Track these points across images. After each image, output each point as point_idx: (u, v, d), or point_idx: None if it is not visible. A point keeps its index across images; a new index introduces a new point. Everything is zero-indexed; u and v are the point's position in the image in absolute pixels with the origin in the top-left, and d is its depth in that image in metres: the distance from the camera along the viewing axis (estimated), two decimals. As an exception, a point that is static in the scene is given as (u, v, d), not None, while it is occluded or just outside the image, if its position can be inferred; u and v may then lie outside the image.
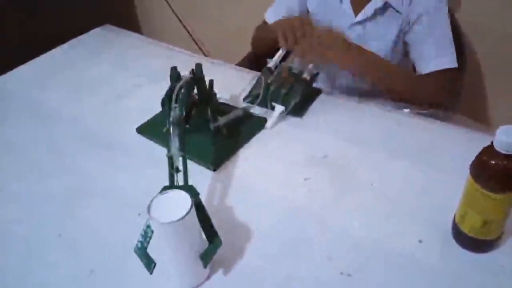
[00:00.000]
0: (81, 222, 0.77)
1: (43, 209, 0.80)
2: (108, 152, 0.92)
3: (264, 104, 1.00)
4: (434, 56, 1.06)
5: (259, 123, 0.96)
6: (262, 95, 0.99)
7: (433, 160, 0.85)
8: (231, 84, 1.08)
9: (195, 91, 0.89)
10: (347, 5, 1.14)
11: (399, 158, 0.86)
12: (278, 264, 0.68)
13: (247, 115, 0.98)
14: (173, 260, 0.63)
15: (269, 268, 0.67)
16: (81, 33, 1.39)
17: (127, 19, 2.16)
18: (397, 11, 1.08)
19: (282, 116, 0.97)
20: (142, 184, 0.81)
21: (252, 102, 1.01)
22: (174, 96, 0.79)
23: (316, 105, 1.02)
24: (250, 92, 1.04)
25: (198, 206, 0.63)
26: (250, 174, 0.85)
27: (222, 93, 0.99)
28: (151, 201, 0.60)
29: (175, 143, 0.71)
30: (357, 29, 1.14)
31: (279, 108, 0.96)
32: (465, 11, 1.30)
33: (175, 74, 0.88)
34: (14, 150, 0.95)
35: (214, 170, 0.86)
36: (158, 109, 0.96)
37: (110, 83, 1.16)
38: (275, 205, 0.78)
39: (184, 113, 0.76)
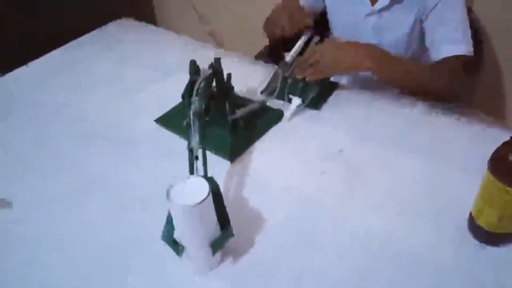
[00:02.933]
0: (98, 217, 0.78)
1: (54, 208, 0.81)
2: (125, 145, 0.94)
3: (281, 97, 1.00)
4: (450, 41, 1.05)
5: (276, 116, 0.97)
6: (280, 88, 1.00)
7: (446, 156, 0.85)
8: (248, 77, 1.09)
9: (213, 84, 0.90)
10: None
11: (413, 154, 0.86)
12: (290, 257, 0.69)
13: (264, 108, 0.99)
14: (188, 245, 0.64)
15: (281, 260, 0.69)
16: (81, 33, 1.39)
17: (144, 12, 2.17)
18: None
19: (299, 109, 0.98)
20: (162, 174, 0.82)
21: (269, 95, 1.02)
22: (195, 90, 0.80)
23: (333, 99, 1.03)
24: (268, 85, 1.05)
25: (216, 195, 0.64)
26: (266, 166, 0.86)
27: (240, 86, 1.00)
28: (171, 186, 0.62)
29: (195, 136, 0.72)
30: (374, 18, 1.14)
31: (296, 100, 0.97)
32: (482, 6, 1.29)
33: (194, 68, 0.89)
34: (33, 143, 0.97)
35: (231, 161, 0.87)
36: (175, 101, 0.99)
37: (127, 76, 1.17)
38: (290, 197, 0.79)
39: (204, 106, 0.78)
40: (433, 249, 0.68)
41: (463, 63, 1.05)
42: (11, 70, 1.21)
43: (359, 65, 0.97)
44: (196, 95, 0.80)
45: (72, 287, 0.68)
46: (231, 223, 0.67)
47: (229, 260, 0.69)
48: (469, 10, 1.26)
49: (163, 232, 0.65)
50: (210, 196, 0.62)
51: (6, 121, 1.04)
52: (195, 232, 0.63)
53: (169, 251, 0.65)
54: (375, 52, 0.98)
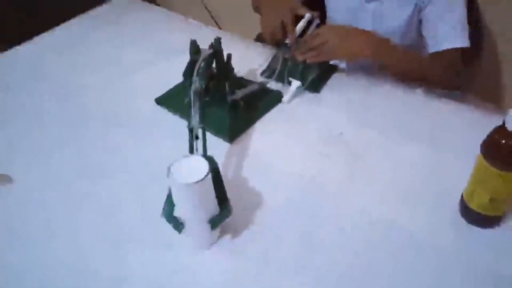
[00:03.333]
0: (105, 190, 0.81)
1: (67, 177, 0.84)
2: (127, 124, 0.95)
3: (281, 79, 1.01)
4: (448, 35, 1.06)
5: (276, 98, 0.98)
6: (279, 70, 1.01)
7: (444, 141, 0.86)
8: (248, 58, 1.10)
9: (214, 65, 0.91)
10: None
11: (412, 137, 0.87)
12: (290, 237, 0.71)
13: (264, 90, 1.00)
14: (187, 222, 0.66)
15: (280, 240, 0.71)
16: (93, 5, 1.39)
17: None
18: None
19: (298, 91, 0.99)
20: (162, 154, 0.83)
21: (269, 77, 1.03)
22: (195, 70, 0.81)
23: (332, 82, 1.04)
24: (268, 67, 1.06)
25: (215, 174, 0.66)
26: (265, 147, 0.88)
27: (240, 67, 1.01)
28: (172, 164, 0.63)
29: (195, 115, 0.73)
30: (373, 5, 1.14)
31: (296, 83, 0.98)
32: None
33: (194, 48, 0.89)
34: (35, 120, 0.98)
35: (230, 142, 0.89)
36: (175, 81, 0.99)
37: (126, 57, 1.17)
38: (290, 179, 0.81)
39: (204, 86, 0.79)
40: (432, 233, 0.70)
41: (462, 54, 1.06)
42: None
43: (359, 52, 0.98)
44: (197, 75, 0.81)
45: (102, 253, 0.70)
46: (230, 203, 0.68)
47: (228, 239, 0.71)
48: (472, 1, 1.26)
49: (163, 209, 0.67)
50: (210, 174, 0.63)
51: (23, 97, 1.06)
52: (194, 209, 0.65)
53: (170, 228, 0.66)
54: (375, 40, 0.99)
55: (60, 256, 0.70)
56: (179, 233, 0.66)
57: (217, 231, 0.70)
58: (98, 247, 0.71)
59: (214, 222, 0.67)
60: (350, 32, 0.99)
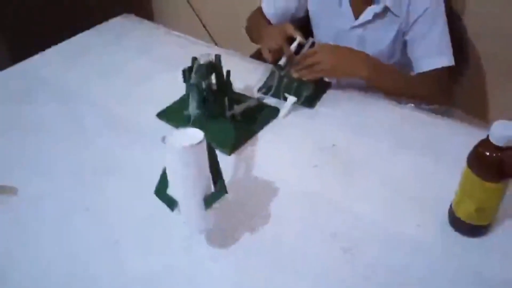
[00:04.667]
0: (105, 197, 0.84)
1: (70, 185, 0.87)
2: (128, 133, 0.99)
3: (277, 95, 1.06)
4: (432, 55, 1.11)
5: (272, 113, 1.03)
6: (276, 87, 1.05)
7: (433, 152, 0.91)
8: (245, 75, 1.14)
9: (213, 80, 0.95)
10: (346, 8, 1.18)
11: (403, 149, 0.92)
12: (286, 243, 0.75)
13: (261, 105, 1.04)
14: (181, 198, 0.67)
15: (278, 246, 0.74)
16: (99, 22, 1.45)
17: (143, 9, 2.21)
18: (395, 15, 1.13)
19: (294, 107, 1.03)
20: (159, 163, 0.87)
21: (265, 93, 1.08)
22: (194, 67, 0.87)
23: (326, 97, 1.08)
24: (264, 83, 1.10)
25: (210, 149, 0.67)
26: (262, 159, 0.92)
27: (237, 83, 1.05)
28: (168, 134, 0.64)
29: (193, 103, 0.76)
30: (357, 31, 1.19)
31: (291, 99, 1.02)
32: (466, 11, 1.35)
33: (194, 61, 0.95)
34: (42, 129, 1.01)
35: (229, 154, 0.92)
36: (175, 96, 1.03)
37: (129, 69, 1.22)
38: (285, 189, 0.84)
39: (204, 80, 0.83)
40: (420, 234, 0.74)
41: (447, 72, 1.11)
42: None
43: (354, 72, 1.03)
44: (195, 72, 0.86)
45: (99, 256, 0.73)
46: (228, 213, 0.71)
47: (228, 246, 0.74)
48: (458, 19, 1.33)
49: (156, 187, 0.68)
50: (205, 142, 0.64)
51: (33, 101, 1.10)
52: (188, 181, 0.65)
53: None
54: (369, 60, 1.04)
55: (64, 265, 0.72)
56: (172, 211, 0.67)
57: (212, 215, 0.70)
58: (102, 257, 0.74)
59: (209, 200, 0.67)
60: (346, 52, 1.04)
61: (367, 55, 1.04)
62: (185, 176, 0.65)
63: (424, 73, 1.12)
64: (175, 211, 0.69)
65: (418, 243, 0.73)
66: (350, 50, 1.04)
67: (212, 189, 0.69)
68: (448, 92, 1.15)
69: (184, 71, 0.93)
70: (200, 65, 0.88)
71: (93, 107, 1.08)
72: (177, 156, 0.63)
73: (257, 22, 1.25)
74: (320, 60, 1.00)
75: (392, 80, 1.08)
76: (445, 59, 1.11)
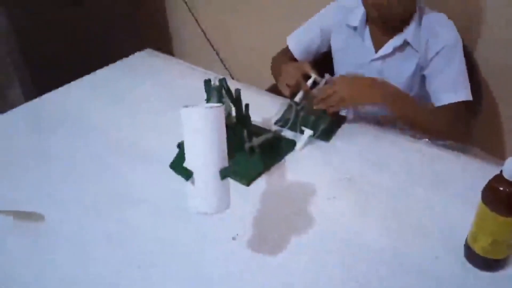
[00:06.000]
0: (125, 224, 0.86)
1: (90, 213, 0.90)
2: (147, 163, 1.02)
3: (294, 128, 1.09)
4: (449, 89, 1.14)
5: (289, 145, 1.06)
6: (293, 120, 1.09)
7: (449, 187, 0.93)
8: (262, 108, 1.18)
9: (233, 113, 0.99)
10: (368, 42, 1.24)
11: (418, 183, 0.94)
12: (300, 273, 0.76)
13: (278, 137, 1.07)
14: (197, 169, 0.66)
15: (289, 274, 0.76)
16: (123, 56, 1.52)
17: (164, 45, 2.30)
18: (415, 49, 1.17)
19: (310, 140, 1.06)
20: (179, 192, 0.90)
21: (282, 126, 1.11)
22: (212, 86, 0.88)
23: (342, 131, 1.12)
24: (282, 116, 1.14)
25: (227, 127, 0.68)
26: (279, 190, 0.94)
27: (255, 116, 1.08)
28: (186, 105, 0.66)
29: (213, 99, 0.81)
30: (377, 64, 1.23)
31: (308, 132, 1.06)
32: (481, 48, 1.39)
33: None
34: (67, 159, 1.05)
35: (248, 185, 0.95)
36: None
37: (152, 102, 1.27)
38: (301, 219, 0.86)
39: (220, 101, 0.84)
40: (437, 267, 0.75)
41: (464, 106, 1.14)
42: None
43: (370, 98, 1.08)
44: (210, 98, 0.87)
45: (122, 280, 0.75)
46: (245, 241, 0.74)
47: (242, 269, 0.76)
48: (470, 55, 1.36)
49: (172, 161, 0.68)
50: (223, 111, 0.66)
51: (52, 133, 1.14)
52: (206, 146, 0.65)
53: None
54: (386, 86, 1.08)
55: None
56: (186, 180, 0.66)
57: (228, 192, 0.69)
58: (125, 281, 0.76)
59: (224, 172, 0.66)
60: (363, 79, 1.09)
61: (385, 81, 1.08)
62: (203, 141, 0.65)
63: (441, 107, 1.14)
64: (188, 182, 0.67)
65: (436, 278, 0.74)
66: (367, 77, 1.09)
67: (227, 163, 0.69)
68: (465, 127, 1.17)
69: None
70: (213, 88, 0.90)
71: (115, 137, 1.12)
72: (197, 118, 0.64)
73: (279, 61, 1.31)
74: (337, 90, 1.04)
75: (409, 107, 1.11)
76: (462, 94, 1.13)
